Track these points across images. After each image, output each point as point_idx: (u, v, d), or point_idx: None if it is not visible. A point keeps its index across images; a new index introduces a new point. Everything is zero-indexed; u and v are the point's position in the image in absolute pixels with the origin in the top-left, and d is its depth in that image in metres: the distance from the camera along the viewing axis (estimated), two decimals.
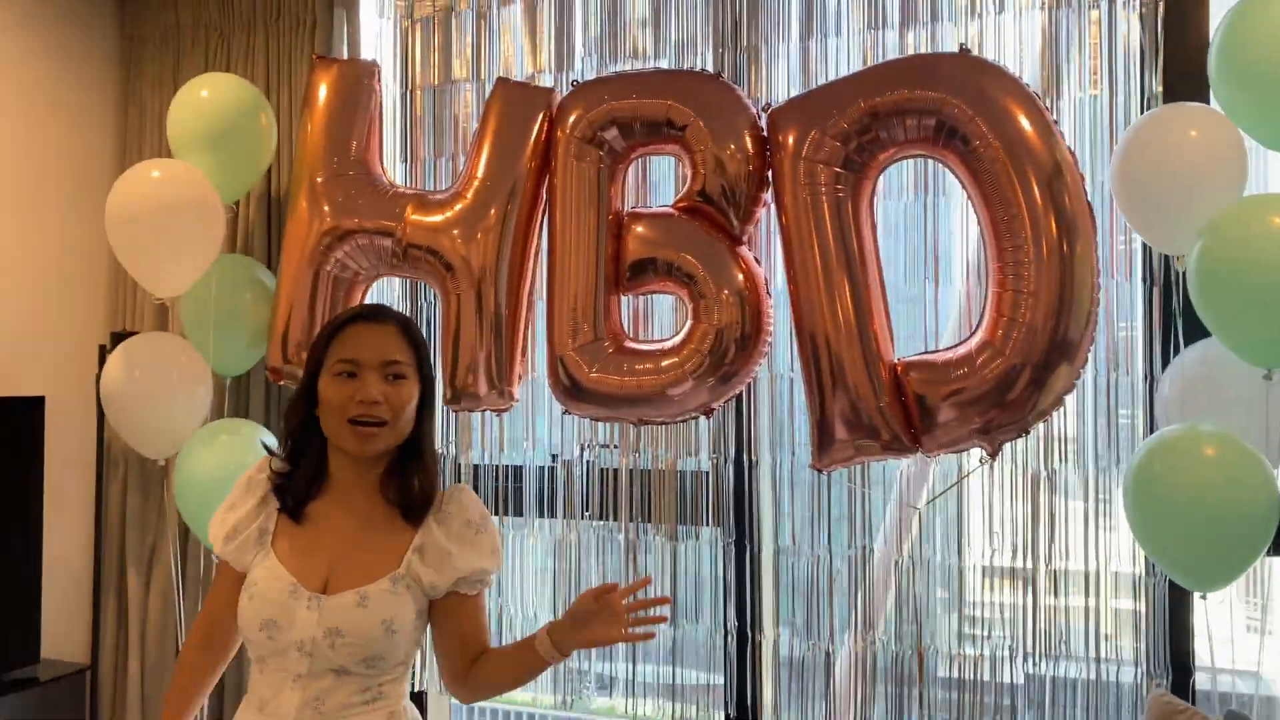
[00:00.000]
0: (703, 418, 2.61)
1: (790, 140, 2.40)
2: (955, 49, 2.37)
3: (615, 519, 2.87)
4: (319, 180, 2.72)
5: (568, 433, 2.93)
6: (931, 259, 2.58)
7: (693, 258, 2.48)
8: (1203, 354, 2.17)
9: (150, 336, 2.91)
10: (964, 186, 2.31)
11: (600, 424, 2.83)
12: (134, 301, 3.31)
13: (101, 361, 3.12)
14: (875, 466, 2.65)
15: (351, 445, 1.63)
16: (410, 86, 3.13)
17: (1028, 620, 2.48)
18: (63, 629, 3.26)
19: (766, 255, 2.63)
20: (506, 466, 3.02)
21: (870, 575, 2.66)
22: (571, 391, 2.57)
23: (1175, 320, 2.31)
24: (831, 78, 2.61)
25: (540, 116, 2.62)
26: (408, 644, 1.67)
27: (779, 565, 2.73)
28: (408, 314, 2.47)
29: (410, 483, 1.67)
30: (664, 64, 2.87)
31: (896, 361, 2.34)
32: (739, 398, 2.73)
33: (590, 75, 2.84)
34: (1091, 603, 2.43)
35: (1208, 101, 2.23)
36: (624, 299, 2.67)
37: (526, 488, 2.99)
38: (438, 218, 2.65)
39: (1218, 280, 1.99)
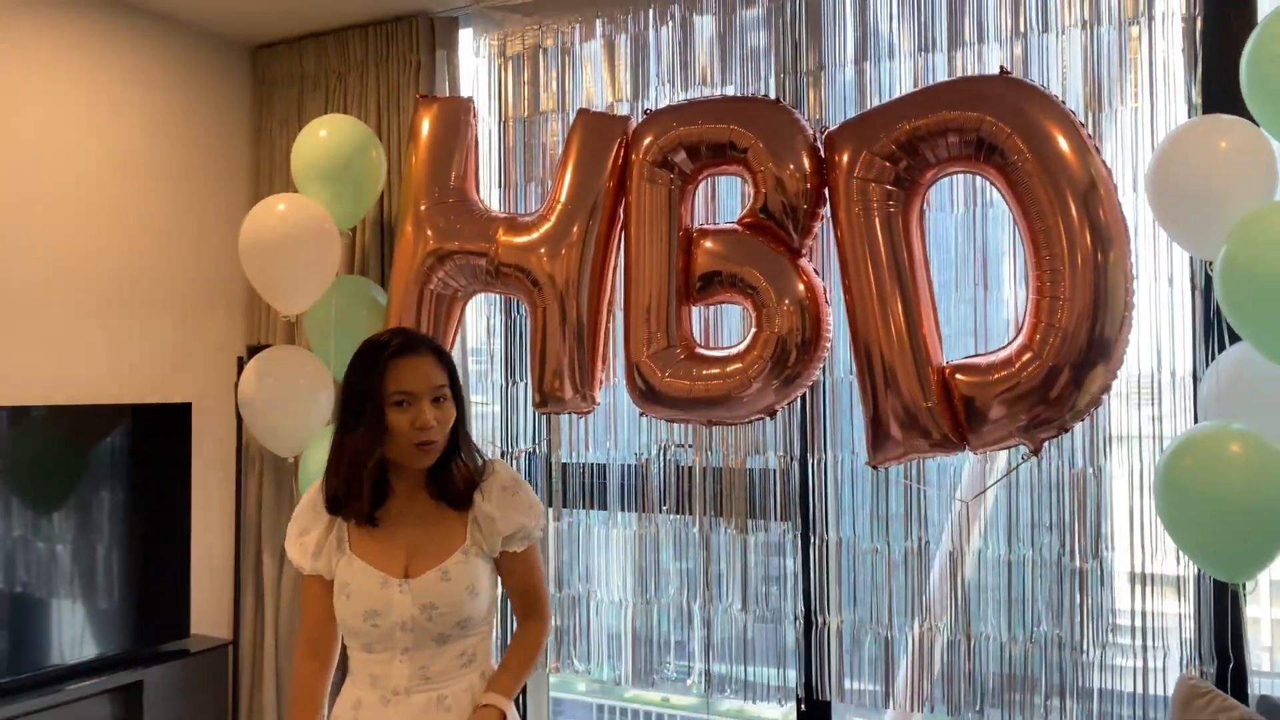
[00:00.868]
0: (768, 419, 2.80)
1: (844, 160, 2.57)
2: (1001, 66, 2.51)
3: (690, 513, 3.10)
4: (422, 208, 3.03)
5: (648, 434, 3.16)
6: (981, 267, 2.72)
7: (755, 270, 2.66)
8: (1240, 354, 2.26)
9: (279, 349, 3.28)
10: (1005, 200, 2.45)
11: (676, 425, 3.06)
12: (267, 318, 3.71)
13: (239, 372, 3.50)
14: (930, 464, 2.79)
15: (417, 462, 1.92)
16: (504, 118, 3.42)
17: (1075, 613, 2.59)
18: (208, 608, 3.67)
19: (826, 266, 2.80)
20: (592, 464, 3.28)
21: (926, 566, 2.81)
22: (647, 395, 2.79)
23: (1216, 322, 2.40)
24: (885, 99, 2.78)
25: (617, 143, 2.84)
26: (489, 603, 1.98)
27: (841, 557, 2.90)
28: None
29: (453, 477, 1.96)
30: (730, 89, 3.07)
31: (945, 365, 2.50)
32: (802, 400, 2.91)
33: (664, 102, 3.08)
34: (1139, 599, 2.53)
35: (1245, 113, 2.31)
36: (695, 309, 2.89)
37: (611, 484, 3.24)
38: (526, 238, 2.90)
39: (1241, 282, 2.08)
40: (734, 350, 2.72)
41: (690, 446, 3.11)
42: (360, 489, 1.91)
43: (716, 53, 3.09)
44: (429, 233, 3.00)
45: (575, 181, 2.87)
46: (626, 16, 3.21)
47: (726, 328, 3.06)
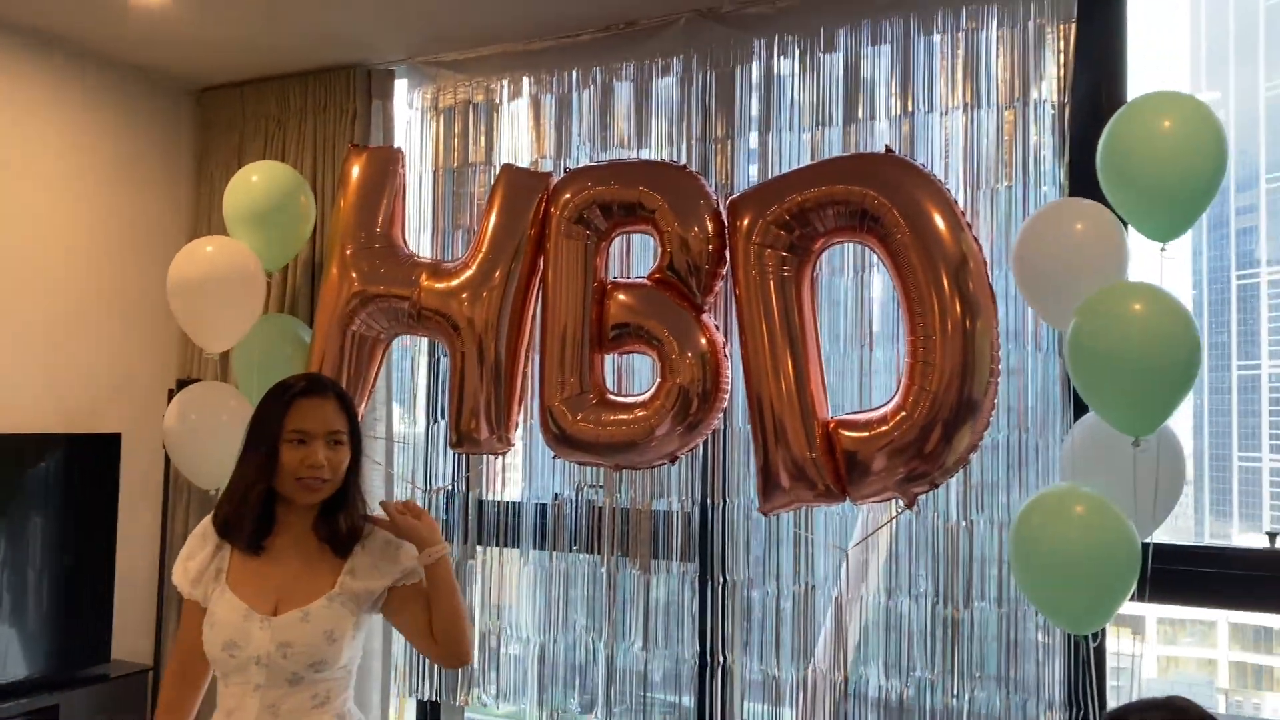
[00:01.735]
0: (670, 464, 2.94)
1: (745, 225, 2.73)
2: (886, 145, 2.70)
3: (599, 553, 3.23)
4: (348, 251, 3.15)
5: (563, 475, 3.30)
6: (866, 329, 2.89)
7: (661, 323, 2.80)
8: (1093, 420, 2.44)
9: (203, 385, 3.39)
10: (887, 269, 2.62)
11: (589, 467, 3.19)
12: (200, 352, 3.80)
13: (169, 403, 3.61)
14: (819, 513, 2.95)
15: (299, 497, 2.03)
16: (435, 167, 3.57)
17: (948, 653, 2.75)
18: (131, 634, 3.73)
19: (728, 322, 2.96)
20: (508, 503, 3.40)
21: (814, 608, 2.95)
22: (559, 438, 2.92)
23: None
24: (785, 168, 2.96)
25: (538, 197, 2.97)
26: (349, 650, 2.05)
27: (736, 598, 3.05)
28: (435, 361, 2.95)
29: (338, 523, 2.06)
30: (646, 152, 3.24)
31: (830, 420, 2.66)
32: (705, 447, 3.06)
33: (584, 161, 3.24)
34: (1006, 638, 2.70)
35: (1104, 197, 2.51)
36: (610, 357, 3.03)
37: (525, 522, 3.37)
38: (448, 284, 3.01)
39: (1085, 355, 2.26)
40: (641, 398, 2.85)
41: (601, 487, 3.24)
42: (244, 517, 2.01)
43: (633, 117, 3.26)
44: (354, 275, 3.12)
45: (497, 232, 2.99)
46: (551, 78, 3.38)
47: (641, 376, 3.20)
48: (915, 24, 2.87)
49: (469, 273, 3.02)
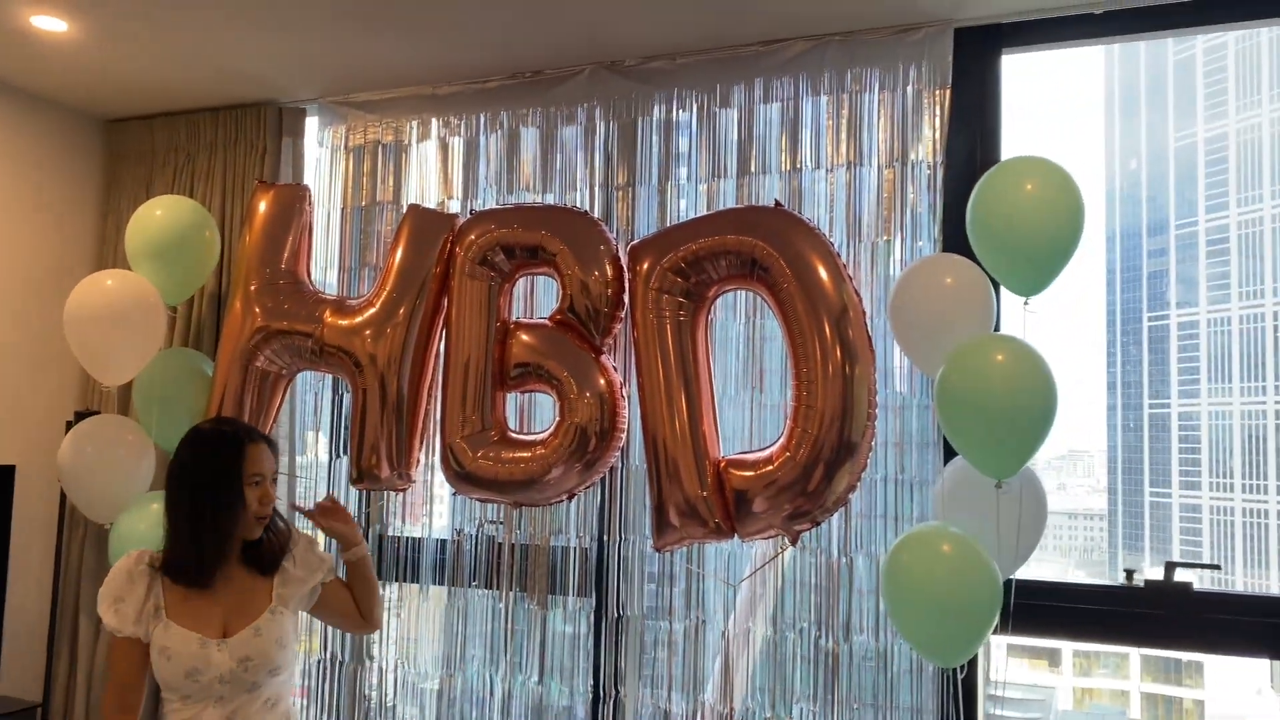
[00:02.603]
0: (568, 501, 3.02)
1: (644, 270, 2.83)
2: (775, 199, 2.84)
3: (498, 588, 3.28)
4: (253, 287, 3.16)
5: (463, 512, 3.35)
6: (757, 372, 3.02)
7: (560, 364, 2.88)
8: (962, 462, 2.58)
9: (101, 418, 3.35)
10: (775, 315, 2.75)
11: (489, 505, 3.25)
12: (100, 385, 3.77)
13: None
14: (709, 550, 3.05)
15: (252, 532, 2.27)
16: (344, 205, 3.62)
17: (829, 684, 2.86)
18: (20, 669, 3.66)
19: (624, 364, 3.06)
20: (408, 538, 3.44)
21: (704, 642, 3.05)
22: (460, 475, 2.96)
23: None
24: (683, 217, 3.09)
25: (443, 238, 3.04)
26: (292, 653, 2.31)
27: (630, 633, 3.13)
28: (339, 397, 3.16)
29: (265, 547, 2.31)
30: (550, 197, 3.34)
31: (720, 459, 2.76)
32: (603, 484, 3.14)
33: (490, 204, 3.32)
34: (883, 668, 2.82)
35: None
36: (513, 396, 3.10)
37: (425, 558, 3.41)
38: (351, 321, 3.05)
39: (951, 403, 2.41)
40: (540, 436, 2.92)
41: (501, 523, 3.30)
42: (204, 559, 2.19)
43: (539, 162, 3.36)
44: (257, 310, 3.13)
45: (402, 270, 3.04)
46: (460, 121, 3.47)
47: (544, 413, 3.28)
48: (804, 84, 3.03)
49: (373, 310, 3.06)
